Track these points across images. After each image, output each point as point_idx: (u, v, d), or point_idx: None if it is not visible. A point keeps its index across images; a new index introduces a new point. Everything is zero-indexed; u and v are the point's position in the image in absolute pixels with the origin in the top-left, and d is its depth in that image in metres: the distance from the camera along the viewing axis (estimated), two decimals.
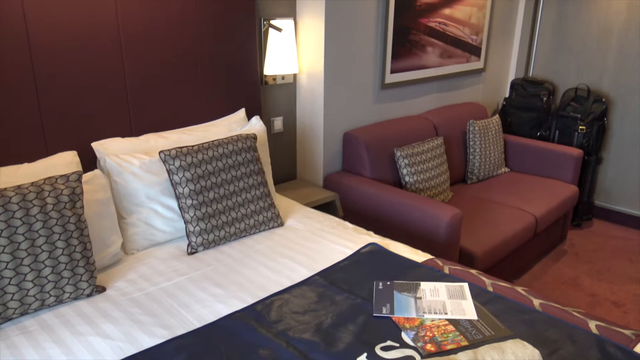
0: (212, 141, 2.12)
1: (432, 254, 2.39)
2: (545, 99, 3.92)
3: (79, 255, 1.68)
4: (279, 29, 2.62)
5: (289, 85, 2.91)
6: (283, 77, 2.85)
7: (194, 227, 2.01)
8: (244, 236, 2.15)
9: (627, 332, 1.51)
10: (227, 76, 2.52)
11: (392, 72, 3.15)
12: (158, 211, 2.06)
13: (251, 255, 2.00)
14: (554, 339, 1.47)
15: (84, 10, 1.98)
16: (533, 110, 3.96)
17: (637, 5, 3.60)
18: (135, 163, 2.02)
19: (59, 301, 1.64)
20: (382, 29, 3.01)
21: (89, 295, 1.70)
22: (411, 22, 3.17)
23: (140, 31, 2.16)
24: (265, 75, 2.77)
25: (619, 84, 3.78)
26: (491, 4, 3.74)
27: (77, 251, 1.67)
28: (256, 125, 2.41)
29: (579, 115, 3.73)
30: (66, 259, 1.64)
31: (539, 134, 3.95)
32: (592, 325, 1.55)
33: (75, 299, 1.68)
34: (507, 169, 3.68)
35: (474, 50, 3.76)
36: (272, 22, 2.65)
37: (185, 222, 2.02)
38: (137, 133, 2.24)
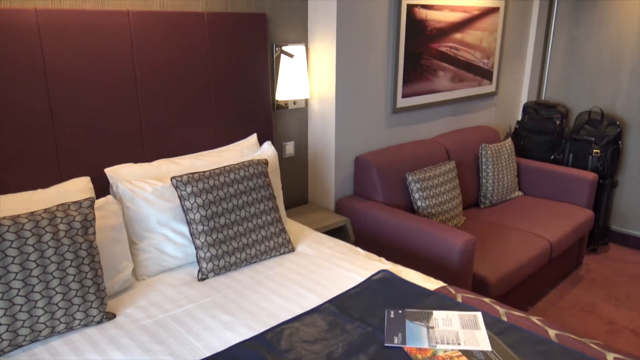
0: (224, 167, 2.13)
1: (444, 281, 2.36)
2: (558, 122, 3.89)
3: (90, 282, 1.68)
4: (290, 55, 2.65)
5: (301, 110, 2.93)
6: (295, 102, 2.87)
7: (205, 253, 2.00)
8: (254, 262, 2.14)
9: None
10: (240, 102, 2.54)
11: (404, 96, 3.16)
12: (169, 237, 2.06)
13: (262, 282, 1.99)
14: None
15: (99, 41, 2.02)
16: (546, 133, 3.94)
17: None
18: (147, 189, 2.04)
19: (69, 328, 1.64)
20: (394, 54, 3.03)
21: (99, 322, 1.70)
22: (422, 47, 3.19)
23: (154, 59, 2.19)
24: (277, 101, 2.79)
25: (633, 107, 3.75)
26: (502, 28, 3.76)
27: (88, 278, 1.67)
28: (268, 150, 2.42)
29: (593, 139, 3.70)
30: (77, 286, 1.64)
31: (552, 157, 3.91)
32: (610, 357, 1.51)
33: (85, 326, 1.68)
34: (520, 193, 3.65)
35: (485, 74, 3.77)
36: (283, 48, 2.68)
37: (196, 248, 2.02)
38: (149, 159, 2.26)
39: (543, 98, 4.26)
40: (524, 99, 4.28)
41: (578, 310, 3.05)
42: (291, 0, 2.71)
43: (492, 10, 3.61)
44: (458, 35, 3.41)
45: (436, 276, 2.40)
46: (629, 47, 3.72)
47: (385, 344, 1.57)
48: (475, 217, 3.26)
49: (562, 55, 4.10)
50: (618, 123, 3.71)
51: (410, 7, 3.01)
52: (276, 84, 2.74)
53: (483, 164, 3.40)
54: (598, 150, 3.67)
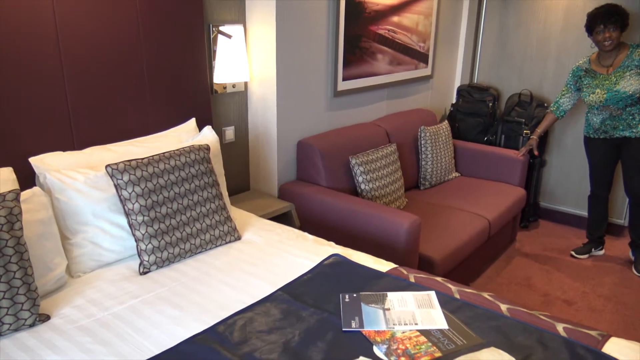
0: (163, 153, 2.00)
1: (391, 262, 2.37)
2: (490, 104, 4.01)
3: (19, 282, 1.52)
4: (228, 36, 2.54)
5: (240, 94, 2.83)
6: (234, 85, 2.76)
7: (146, 245, 1.88)
8: (199, 252, 2.04)
9: (593, 333, 1.53)
10: (176, 85, 2.40)
11: (345, 79, 3.13)
12: (106, 229, 1.91)
13: (209, 273, 1.89)
14: (525, 345, 1.46)
15: (21, 17, 1.82)
16: (479, 115, 4.05)
17: (572, 16, 3.76)
18: (79, 179, 1.88)
19: None
20: (334, 36, 2.98)
21: (31, 326, 1.55)
22: (361, 30, 3.16)
23: (81, 38, 2.02)
24: (215, 84, 2.67)
25: (559, 89, 3.92)
26: (437, 12, 3.80)
27: (17, 277, 1.52)
28: (208, 135, 2.31)
29: (523, 120, 3.84)
30: (4, 287, 1.48)
31: (485, 138, 4.03)
32: (560, 328, 1.55)
33: (16, 330, 1.52)
34: (457, 174, 3.74)
35: (421, 57, 3.81)
36: (221, 28, 2.56)
37: (136, 240, 1.89)
38: (80, 146, 2.09)
39: (476, 81, 4.37)
40: (457, 82, 4.37)
41: (515, 284, 3.17)
42: None
43: None
44: (395, 18, 3.42)
45: (383, 258, 2.40)
46: (554, 33, 3.88)
47: (343, 329, 1.54)
48: (416, 198, 3.30)
49: (493, 40, 4.22)
50: (546, 105, 3.87)
51: None
52: (214, 67, 2.62)
53: (422, 146, 3.44)
54: (528, 131, 3.81)
